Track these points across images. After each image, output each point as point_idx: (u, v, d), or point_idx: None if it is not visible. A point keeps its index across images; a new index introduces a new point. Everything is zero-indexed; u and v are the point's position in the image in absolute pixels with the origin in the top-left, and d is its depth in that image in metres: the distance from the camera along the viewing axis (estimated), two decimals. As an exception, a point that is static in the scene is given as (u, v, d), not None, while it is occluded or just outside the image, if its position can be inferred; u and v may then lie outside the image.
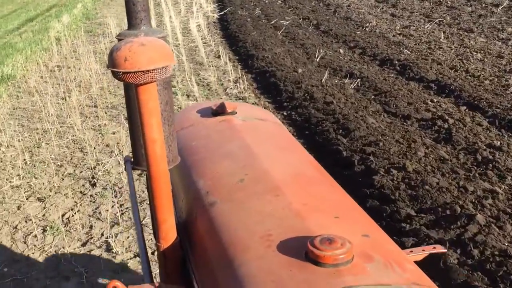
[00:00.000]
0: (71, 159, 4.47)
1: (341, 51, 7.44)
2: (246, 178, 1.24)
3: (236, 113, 1.63)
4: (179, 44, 9.06)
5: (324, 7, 11.10)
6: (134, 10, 1.14)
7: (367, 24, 8.85)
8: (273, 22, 10.16)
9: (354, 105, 5.07)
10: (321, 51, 7.40)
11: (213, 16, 11.99)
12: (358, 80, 5.87)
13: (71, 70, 8.04)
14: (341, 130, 4.45)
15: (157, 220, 1.18)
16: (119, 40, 1.12)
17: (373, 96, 5.33)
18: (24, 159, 4.46)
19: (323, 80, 6.00)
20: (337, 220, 1.06)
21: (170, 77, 1.17)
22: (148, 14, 1.18)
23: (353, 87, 5.71)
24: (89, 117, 5.65)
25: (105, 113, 5.77)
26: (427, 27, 8.13)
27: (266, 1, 12.63)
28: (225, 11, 12.13)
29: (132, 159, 1.35)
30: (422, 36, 7.71)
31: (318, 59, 7.00)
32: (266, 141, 1.51)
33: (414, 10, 9.60)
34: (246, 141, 1.43)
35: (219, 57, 8.08)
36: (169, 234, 1.21)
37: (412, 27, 8.32)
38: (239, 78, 6.71)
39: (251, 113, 1.72)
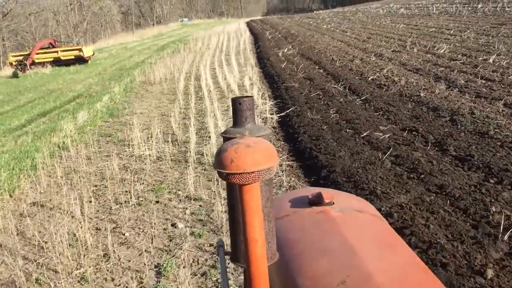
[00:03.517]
0: None
1: (532, 211, 3.98)
2: (348, 280, 1.12)
3: (333, 203, 1.52)
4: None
5: (430, 112, 7.84)
6: (240, 109, 1.15)
7: (533, 149, 5.44)
8: (364, 134, 6.92)
9: None
10: (493, 208, 3.98)
11: (272, 118, 8.94)
12: None
13: (53, 215, 4.89)
14: None
15: None
16: (224, 138, 1.14)
17: None
18: None
19: None
20: None
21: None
22: (253, 112, 1.17)
23: None
24: None
25: None
26: None
27: (341, 100, 9.54)
28: (288, 111, 9.07)
29: (231, 253, 1.23)
30: None
31: (506, 236, 3.55)
32: (367, 237, 1.38)
33: None
34: (345, 237, 1.31)
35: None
36: None
37: None
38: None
39: (349, 203, 1.60)
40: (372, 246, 1.31)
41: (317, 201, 1.52)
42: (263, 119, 8.85)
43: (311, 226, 1.43)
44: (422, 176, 5.04)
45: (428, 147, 6.07)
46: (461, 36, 17.52)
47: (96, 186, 5.84)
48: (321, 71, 13.52)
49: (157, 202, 5.11)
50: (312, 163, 6.09)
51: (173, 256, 3.84)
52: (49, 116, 11.11)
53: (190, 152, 6.80)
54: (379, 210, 4.20)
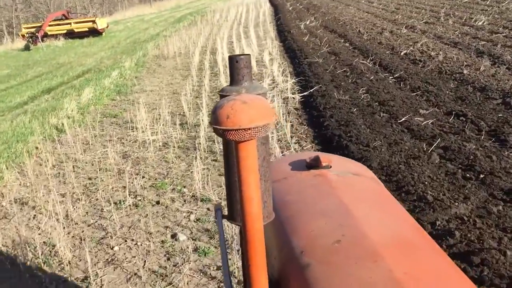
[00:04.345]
0: None
1: None
2: (343, 239, 1.13)
3: (330, 167, 1.51)
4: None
5: (477, 93, 6.79)
6: (237, 67, 1.13)
7: None
8: (402, 119, 5.95)
9: None
10: None
11: (294, 98, 7.98)
12: None
13: (34, 217, 4.10)
14: None
15: (250, 279, 1.09)
16: (221, 95, 1.11)
17: None
18: None
19: None
20: None
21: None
22: (250, 70, 1.14)
23: None
24: None
25: None
26: None
27: (371, 77, 8.51)
28: (311, 90, 8.10)
29: (227, 212, 1.22)
30: None
31: None
32: (363, 199, 1.39)
33: None
34: (341, 199, 1.33)
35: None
36: None
37: None
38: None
39: (346, 167, 1.60)
40: (367, 207, 1.30)
41: (314, 164, 1.50)
42: (284, 99, 7.90)
43: (308, 189, 1.42)
44: (482, 176, 4.08)
45: (482, 137, 5.08)
46: (499, 7, 16.09)
47: (90, 179, 5.03)
48: (347, 44, 12.41)
49: (157, 202, 4.28)
50: (342, 155, 5.15)
51: (170, 283, 3.00)
52: (54, 92, 10.32)
53: (200, 138, 5.94)
54: (434, 223, 3.30)
